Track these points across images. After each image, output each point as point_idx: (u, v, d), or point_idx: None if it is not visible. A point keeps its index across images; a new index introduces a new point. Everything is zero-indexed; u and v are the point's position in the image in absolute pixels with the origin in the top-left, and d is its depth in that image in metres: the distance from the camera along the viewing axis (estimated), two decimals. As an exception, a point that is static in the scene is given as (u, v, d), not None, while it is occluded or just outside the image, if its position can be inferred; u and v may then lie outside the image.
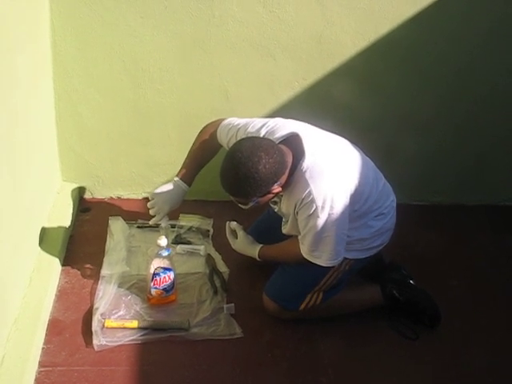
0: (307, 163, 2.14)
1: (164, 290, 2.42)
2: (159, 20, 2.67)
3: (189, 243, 2.80)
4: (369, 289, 2.54)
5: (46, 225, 2.65)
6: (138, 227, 2.88)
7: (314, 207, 2.13)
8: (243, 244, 2.60)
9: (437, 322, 2.47)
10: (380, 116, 3.03)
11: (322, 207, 2.13)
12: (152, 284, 2.40)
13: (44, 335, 2.23)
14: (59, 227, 2.69)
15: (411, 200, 3.22)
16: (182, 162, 3.02)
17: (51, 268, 2.47)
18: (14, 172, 2.15)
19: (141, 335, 2.29)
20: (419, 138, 3.12)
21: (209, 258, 2.71)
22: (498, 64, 3.00)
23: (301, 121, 2.33)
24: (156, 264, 2.39)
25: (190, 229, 2.89)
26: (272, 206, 2.44)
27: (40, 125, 2.63)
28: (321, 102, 2.91)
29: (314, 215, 2.15)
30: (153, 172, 3.09)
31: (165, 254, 2.39)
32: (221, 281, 2.60)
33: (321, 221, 2.15)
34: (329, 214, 2.14)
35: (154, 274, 2.39)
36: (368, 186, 2.29)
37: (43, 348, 2.18)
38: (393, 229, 2.45)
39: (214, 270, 2.65)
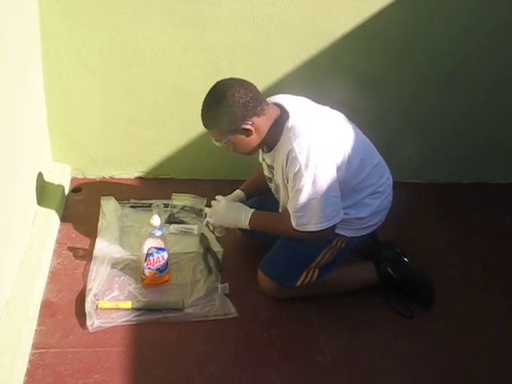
0: (291, 122, 2.17)
1: (157, 270, 2.40)
2: (149, -2, 2.63)
3: (182, 223, 2.78)
4: (363, 267, 2.53)
5: (37, 206, 2.62)
6: (131, 207, 2.86)
7: (298, 166, 2.12)
8: (229, 207, 2.46)
9: (431, 301, 2.47)
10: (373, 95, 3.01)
11: (306, 165, 2.11)
12: (145, 264, 2.39)
13: (37, 317, 2.21)
14: (50, 208, 2.66)
15: (407, 178, 3.21)
16: (174, 141, 3.02)
17: (43, 249, 2.44)
18: (3, 153, 2.12)
19: (135, 316, 2.27)
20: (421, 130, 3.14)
21: (202, 238, 2.70)
22: (498, 60, 3.01)
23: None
24: (149, 244, 2.37)
25: (183, 208, 2.87)
26: (269, 184, 2.44)
27: (30, 105, 2.59)
28: (314, 79, 2.88)
29: (298, 174, 2.13)
30: (145, 151, 3.07)
31: (158, 233, 2.37)
32: (215, 260, 2.58)
33: (306, 180, 2.12)
34: (314, 175, 2.12)
35: (148, 255, 2.37)
36: (358, 157, 2.25)
37: (36, 330, 2.17)
38: (389, 208, 2.44)
39: (207, 249, 2.64)
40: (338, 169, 2.19)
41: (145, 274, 2.41)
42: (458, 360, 2.28)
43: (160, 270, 2.41)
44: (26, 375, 1.99)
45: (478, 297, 2.59)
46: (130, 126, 2.98)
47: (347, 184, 2.25)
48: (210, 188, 3.00)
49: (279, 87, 2.81)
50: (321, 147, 2.15)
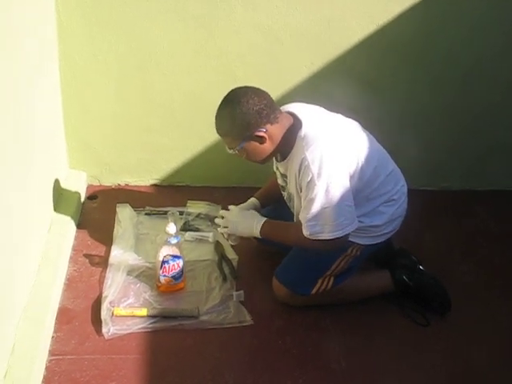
0: (304, 131, 2.18)
1: (173, 277, 2.41)
2: (166, 3, 2.65)
3: (197, 230, 2.78)
4: (379, 274, 2.53)
5: (54, 213, 2.64)
6: (146, 214, 2.87)
7: (311, 175, 2.12)
8: (241, 216, 2.44)
9: (447, 309, 2.46)
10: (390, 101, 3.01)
11: (319, 174, 2.11)
12: (161, 272, 2.39)
13: (53, 324, 2.23)
14: (67, 215, 2.68)
15: (421, 185, 3.20)
16: (190, 148, 3.02)
17: (59, 256, 2.45)
18: (21, 159, 2.13)
19: (150, 323, 2.28)
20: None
21: (217, 245, 2.70)
22: (504, 62, 2.99)
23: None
24: (165, 251, 2.38)
25: (198, 216, 2.88)
26: (282, 192, 2.44)
27: (46, 111, 2.61)
28: (328, 86, 2.87)
29: (311, 183, 2.12)
30: (160, 158, 3.08)
31: (174, 241, 2.38)
32: (230, 268, 2.59)
33: (318, 189, 2.12)
34: (327, 184, 2.11)
35: (163, 262, 2.38)
36: (371, 165, 2.25)
37: (53, 336, 2.18)
38: (404, 215, 2.43)
39: (222, 256, 2.64)
40: (351, 177, 2.19)
41: (160, 282, 2.42)
42: (474, 368, 2.27)
43: (175, 278, 2.42)
44: (42, 381, 2.00)
45: (493, 305, 2.56)
46: (145, 134, 2.99)
47: (361, 192, 2.25)
48: (225, 195, 3.01)
49: (293, 94, 2.82)
50: (334, 156, 2.14)
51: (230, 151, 2.25)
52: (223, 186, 3.11)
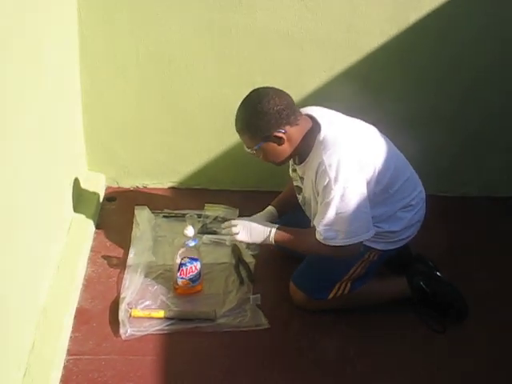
0: (323, 134, 2.17)
1: (190, 280, 2.42)
2: (186, 9, 2.67)
3: (215, 233, 2.79)
4: (395, 280, 2.52)
5: (73, 214, 2.66)
6: (164, 217, 2.89)
7: (328, 179, 2.11)
8: (254, 226, 2.35)
9: (464, 315, 2.44)
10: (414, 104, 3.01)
11: (336, 179, 2.10)
12: (178, 274, 2.41)
13: (72, 324, 2.25)
14: (85, 216, 2.71)
15: (437, 191, 3.19)
16: (207, 152, 3.04)
17: (78, 257, 2.48)
18: (41, 162, 2.16)
19: (167, 325, 2.30)
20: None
21: (235, 248, 2.71)
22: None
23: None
24: (182, 254, 2.39)
25: (215, 219, 2.88)
26: (297, 195, 2.44)
27: (66, 114, 2.64)
28: (348, 91, 2.87)
29: (328, 187, 2.12)
30: (178, 161, 3.09)
31: (191, 244, 2.39)
32: (247, 271, 2.59)
33: (335, 193, 2.11)
34: (343, 188, 2.11)
35: (181, 264, 2.39)
36: (388, 171, 2.24)
37: (71, 337, 2.20)
38: (422, 221, 2.43)
39: (239, 260, 2.65)
40: (368, 183, 2.19)
41: (178, 284, 2.43)
42: (493, 376, 2.26)
43: (193, 280, 2.43)
44: (61, 380, 2.02)
45: (510, 311, 2.55)
46: (164, 136, 3.01)
47: (378, 197, 2.25)
48: (242, 199, 3.02)
49: (313, 99, 2.81)
50: (351, 161, 2.14)
51: (248, 150, 2.25)
52: (241, 190, 3.11)
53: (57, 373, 2.01)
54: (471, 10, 2.79)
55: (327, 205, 2.14)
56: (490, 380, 2.25)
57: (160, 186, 3.15)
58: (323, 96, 2.85)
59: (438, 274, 2.53)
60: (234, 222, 2.36)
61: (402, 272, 2.52)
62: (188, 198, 3.08)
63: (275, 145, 2.19)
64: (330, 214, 2.14)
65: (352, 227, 2.16)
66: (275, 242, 2.33)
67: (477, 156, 3.22)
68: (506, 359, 2.33)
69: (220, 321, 2.34)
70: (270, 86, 2.21)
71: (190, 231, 2.38)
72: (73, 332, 2.22)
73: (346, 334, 2.38)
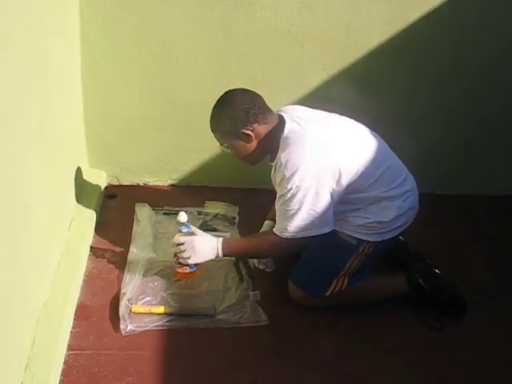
0: (286, 132, 2.23)
1: (187, 265, 2.40)
2: (187, 6, 2.67)
3: (215, 230, 2.80)
4: (394, 277, 2.53)
5: (73, 211, 2.67)
6: (164, 214, 2.90)
7: (283, 176, 2.17)
8: (198, 240, 2.34)
9: (462, 313, 2.46)
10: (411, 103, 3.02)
11: (291, 175, 2.15)
12: (175, 259, 2.39)
13: (72, 319, 2.26)
14: (86, 213, 2.71)
15: (436, 190, 3.20)
16: (208, 149, 3.05)
17: (79, 253, 2.49)
18: (42, 159, 2.17)
19: (167, 321, 2.31)
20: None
21: (234, 246, 2.71)
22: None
23: (329, 108, 2.37)
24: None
25: (215, 216, 2.91)
26: None
27: (68, 111, 2.65)
28: (348, 89, 2.88)
29: (282, 182, 2.18)
30: (179, 159, 3.11)
31: (185, 230, 2.38)
32: (246, 268, 2.60)
33: (286, 191, 2.16)
34: (297, 187, 2.15)
35: None
36: (360, 168, 2.23)
37: (71, 332, 2.21)
38: (414, 208, 2.41)
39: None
40: (337, 180, 2.19)
41: (176, 271, 2.42)
42: (489, 372, 2.27)
43: (190, 266, 2.42)
44: (61, 375, 2.03)
45: (509, 309, 2.57)
46: (165, 134, 3.02)
47: (356, 192, 2.26)
48: (242, 196, 3.04)
49: (313, 97, 2.84)
50: (309, 160, 2.15)
51: (221, 148, 2.34)
52: (241, 187, 3.13)
53: (57, 367, 2.02)
54: (471, 9, 2.80)
55: (280, 198, 2.21)
56: (489, 377, 2.26)
57: (161, 184, 3.17)
58: (323, 94, 2.87)
59: (436, 271, 2.54)
60: (180, 241, 2.33)
61: (401, 269, 2.53)
62: (188, 195, 3.09)
63: (244, 142, 2.27)
64: (282, 208, 2.22)
65: (297, 223, 2.21)
66: (225, 253, 2.35)
67: (475, 155, 3.24)
68: (504, 356, 2.34)
69: (220, 317, 2.35)
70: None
71: (183, 217, 2.37)
72: (73, 327, 2.23)
73: (345, 331, 2.39)
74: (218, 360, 2.20)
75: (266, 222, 2.61)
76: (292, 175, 2.15)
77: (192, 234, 2.37)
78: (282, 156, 2.18)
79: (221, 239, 2.35)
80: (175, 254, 2.38)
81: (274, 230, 2.29)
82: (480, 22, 2.83)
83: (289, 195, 2.17)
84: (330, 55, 2.84)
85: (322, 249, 2.35)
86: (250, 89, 2.29)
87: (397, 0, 2.72)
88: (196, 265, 2.42)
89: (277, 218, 2.28)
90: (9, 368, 1.80)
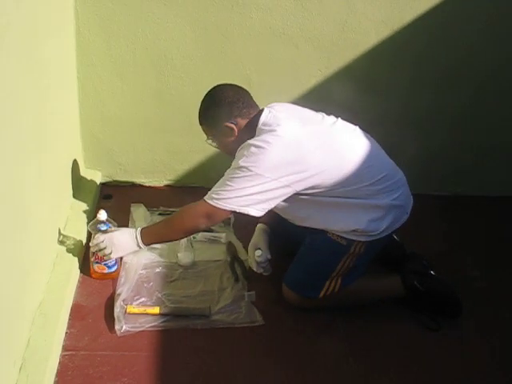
0: (261, 122, 2.24)
1: (106, 265, 2.42)
2: (182, 7, 2.68)
3: (210, 231, 2.80)
4: (389, 279, 2.52)
5: (69, 212, 2.67)
6: (160, 214, 2.91)
7: (242, 155, 2.16)
8: (118, 236, 2.33)
9: (458, 313, 2.46)
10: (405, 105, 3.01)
11: (247, 158, 2.13)
12: (93, 259, 2.40)
13: (67, 320, 2.26)
14: (82, 214, 2.71)
15: (434, 190, 3.21)
16: (204, 150, 3.05)
17: (74, 254, 2.48)
18: (39, 159, 2.17)
19: (162, 321, 2.30)
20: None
21: (230, 246, 2.72)
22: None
23: (324, 108, 2.37)
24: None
25: (211, 216, 2.89)
26: None
27: (63, 112, 2.64)
28: (343, 90, 2.89)
29: (238, 159, 2.17)
30: (174, 159, 3.11)
31: (103, 228, 2.38)
32: (242, 268, 2.61)
33: (238, 168, 2.14)
34: (249, 170, 2.12)
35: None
36: (331, 171, 2.21)
37: (67, 332, 2.21)
38: (405, 205, 2.39)
39: (235, 257, 2.66)
40: (299, 179, 2.16)
41: (94, 269, 2.44)
42: (485, 372, 2.27)
43: (108, 266, 2.42)
44: (56, 375, 2.02)
45: (504, 309, 2.57)
46: (161, 135, 3.02)
47: (328, 196, 2.25)
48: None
49: (308, 98, 2.84)
50: (273, 150, 2.12)
51: (206, 141, 2.38)
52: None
53: (52, 368, 2.01)
54: (468, 10, 2.80)
55: (231, 172, 2.19)
56: (486, 377, 2.25)
57: (156, 184, 3.17)
58: (318, 94, 2.88)
59: (432, 272, 2.54)
60: (100, 239, 2.32)
61: (396, 271, 2.53)
62: (184, 195, 3.06)
63: (227, 135, 2.30)
64: (225, 178, 2.20)
65: (229, 195, 2.16)
66: (146, 243, 2.32)
67: (474, 156, 3.25)
68: (500, 356, 2.34)
69: (215, 317, 2.35)
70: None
71: (102, 215, 2.38)
72: (68, 328, 2.23)
73: (342, 332, 2.38)
74: (213, 360, 2.20)
75: (259, 225, 2.61)
76: (250, 156, 2.13)
77: (112, 231, 2.37)
78: (250, 141, 2.18)
79: (139, 228, 2.33)
80: (94, 253, 2.39)
81: (206, 198, 2.23)
82: (478, 21, 2.84)
83: (239, 173, 2.13)
84: (326, 56, 2.85)
85: (312, 250, 2.36)
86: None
87: (392, 0, 2.73)
88: (114, 265, 2.44)
89: (214, 188, 2.23)
90: (3, 368, 1.79)
